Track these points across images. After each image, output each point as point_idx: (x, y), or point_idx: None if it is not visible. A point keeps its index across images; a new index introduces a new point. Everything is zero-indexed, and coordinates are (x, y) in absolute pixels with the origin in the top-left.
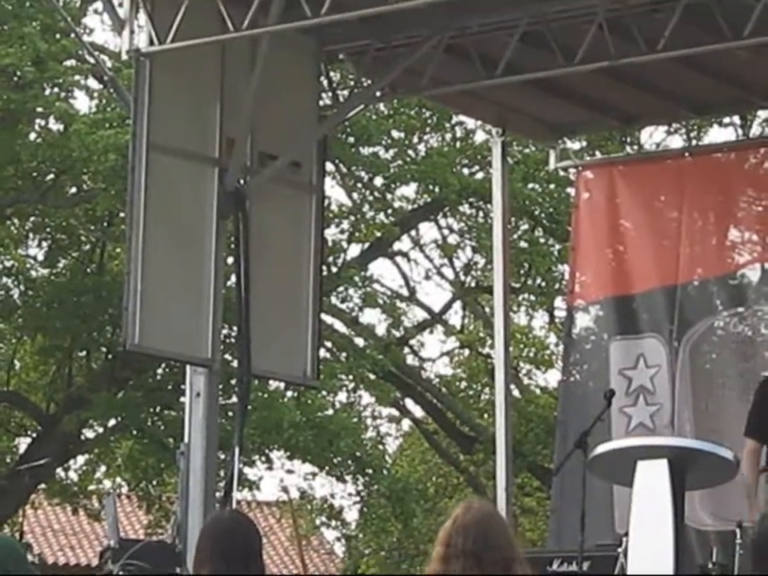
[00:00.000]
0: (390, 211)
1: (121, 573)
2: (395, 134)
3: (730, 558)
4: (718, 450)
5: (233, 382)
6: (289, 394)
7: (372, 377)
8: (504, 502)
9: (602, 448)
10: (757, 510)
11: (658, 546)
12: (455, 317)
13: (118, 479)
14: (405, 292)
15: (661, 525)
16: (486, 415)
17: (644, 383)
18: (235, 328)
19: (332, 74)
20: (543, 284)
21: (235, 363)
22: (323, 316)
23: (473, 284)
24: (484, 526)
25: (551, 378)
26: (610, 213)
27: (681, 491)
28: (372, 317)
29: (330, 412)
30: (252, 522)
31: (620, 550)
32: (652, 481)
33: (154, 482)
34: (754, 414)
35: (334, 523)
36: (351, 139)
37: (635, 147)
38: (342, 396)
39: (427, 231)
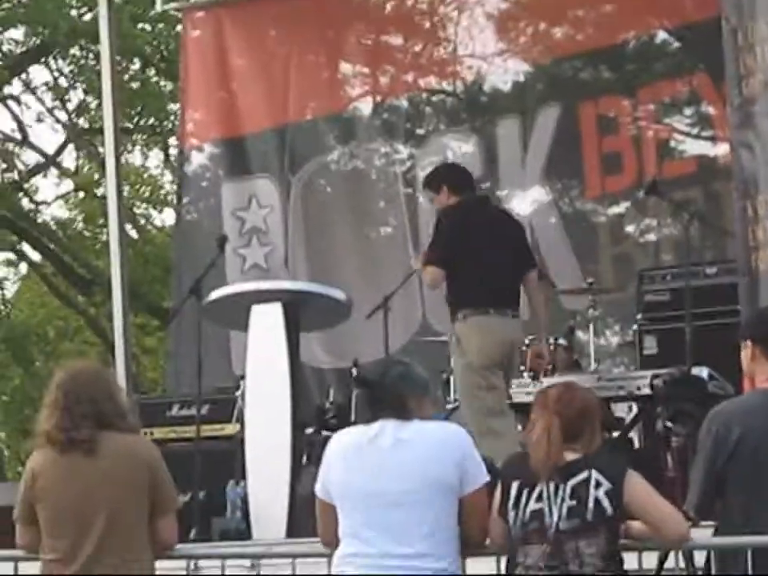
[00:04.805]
0: None
1: None
2: None
3: (347, 397)
4: (330, 291)
5: None
6: None
7: None
8: (122, 343)
9: (215, 294)
10: None
11: (275, 387)
12: (69, 159)
13: None
14: (18, 136)
15: (277, 366)
16: (104, 257)
17: (257, 224)
18: None
19: None
20: (156, 123)
21: None
22: None
23: (86, 126)
24: (76, 382)
25: (167, 217)
26: (220, 50)
27: (296, 332)
28: None
29: None
30: None
31: (238, 393)
32: (266, 324)
33: None
34: None
35: None
36: None
37: None
38: None
39: (38, 74)
